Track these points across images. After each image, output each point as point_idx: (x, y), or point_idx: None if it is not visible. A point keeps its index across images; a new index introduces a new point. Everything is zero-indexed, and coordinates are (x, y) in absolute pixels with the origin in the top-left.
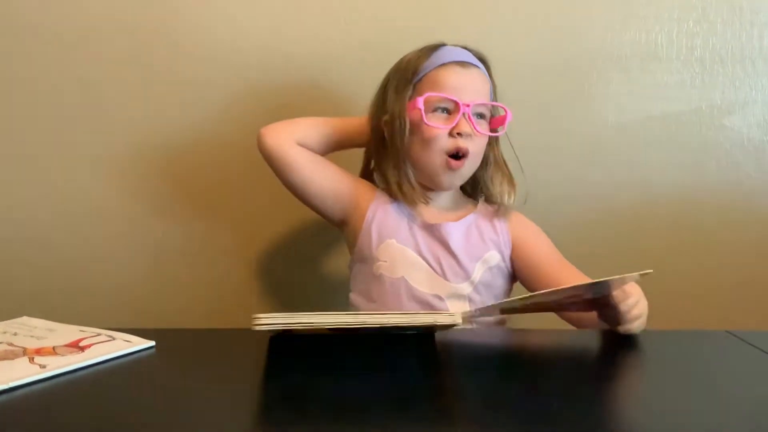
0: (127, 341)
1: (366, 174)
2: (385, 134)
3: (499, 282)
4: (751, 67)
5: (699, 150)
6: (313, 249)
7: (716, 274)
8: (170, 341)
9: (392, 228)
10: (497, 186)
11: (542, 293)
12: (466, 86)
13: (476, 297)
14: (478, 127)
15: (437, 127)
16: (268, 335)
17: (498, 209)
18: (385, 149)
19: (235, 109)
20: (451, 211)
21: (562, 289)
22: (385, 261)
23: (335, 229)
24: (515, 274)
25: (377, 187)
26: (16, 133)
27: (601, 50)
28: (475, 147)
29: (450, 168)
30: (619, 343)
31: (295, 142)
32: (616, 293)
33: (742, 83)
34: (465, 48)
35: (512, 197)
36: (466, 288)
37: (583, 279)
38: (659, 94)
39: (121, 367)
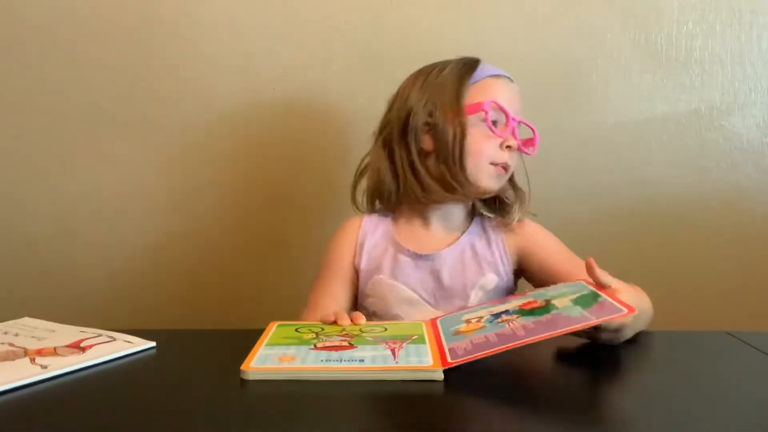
0: (128, 342)
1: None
2: (413, 137)
3: None
4: (750, 68)
5: (698, 151)
6: (316, 250)
7: (716, 275)
8: (171, 342)
9: (380, 261)
10: (510, 200)
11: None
12: (514, 102)
13: None
14: (520, 144)
15: (499, 135)
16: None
17: (495, 223)
18: (403, 152)
19: (237, 112)
20: (445, 231)
21: (549, 335)
22: (375, 297)
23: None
24: (528, 280)
25: (362, 215)
26: (13, 136)
27: (601, 51)
28: (513, 162)
29: (497, 174)
30: (618, 344)
31: None
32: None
33: (742, 85)
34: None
35: (520, 212)
36: None
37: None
38: (659, 95)
39: (122, 367)
